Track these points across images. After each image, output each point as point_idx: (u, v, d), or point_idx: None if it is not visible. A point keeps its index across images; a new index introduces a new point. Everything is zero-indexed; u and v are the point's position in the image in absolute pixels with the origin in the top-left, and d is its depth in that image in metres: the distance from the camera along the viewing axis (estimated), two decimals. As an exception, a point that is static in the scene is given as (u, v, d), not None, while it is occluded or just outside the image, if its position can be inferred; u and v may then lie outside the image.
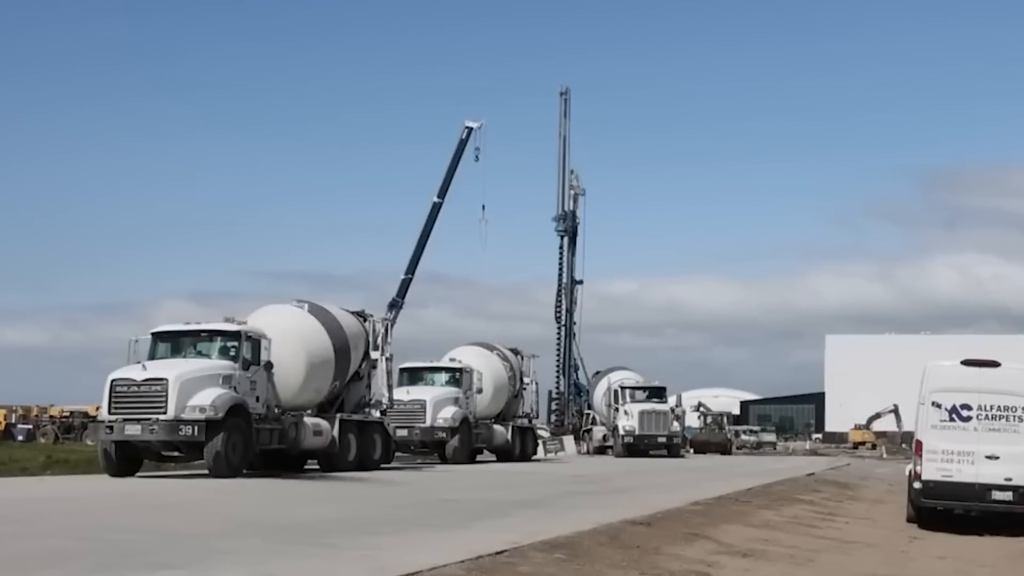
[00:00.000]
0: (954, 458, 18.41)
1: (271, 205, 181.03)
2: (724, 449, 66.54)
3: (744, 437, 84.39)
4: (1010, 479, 18.20)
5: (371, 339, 31.86)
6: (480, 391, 38.38)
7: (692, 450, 63.55)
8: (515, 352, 43.14)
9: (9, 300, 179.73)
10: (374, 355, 31.95)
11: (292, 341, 27.70)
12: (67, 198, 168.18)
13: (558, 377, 66.39)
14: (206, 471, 24.65)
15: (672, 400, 55.25)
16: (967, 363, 18.76)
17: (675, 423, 54.03)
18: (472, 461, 38.07)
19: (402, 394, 35.52)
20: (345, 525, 14.58)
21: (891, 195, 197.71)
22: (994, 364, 18.68)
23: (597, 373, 62.71)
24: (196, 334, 26.37)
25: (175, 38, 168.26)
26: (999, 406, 18.32)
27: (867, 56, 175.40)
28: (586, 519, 15.50)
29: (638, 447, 51.60)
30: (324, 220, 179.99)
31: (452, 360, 39.20)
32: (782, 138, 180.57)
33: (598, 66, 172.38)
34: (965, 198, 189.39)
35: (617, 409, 53.93)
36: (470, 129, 60.08)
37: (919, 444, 18.84)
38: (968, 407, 18.43)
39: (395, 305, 58.89)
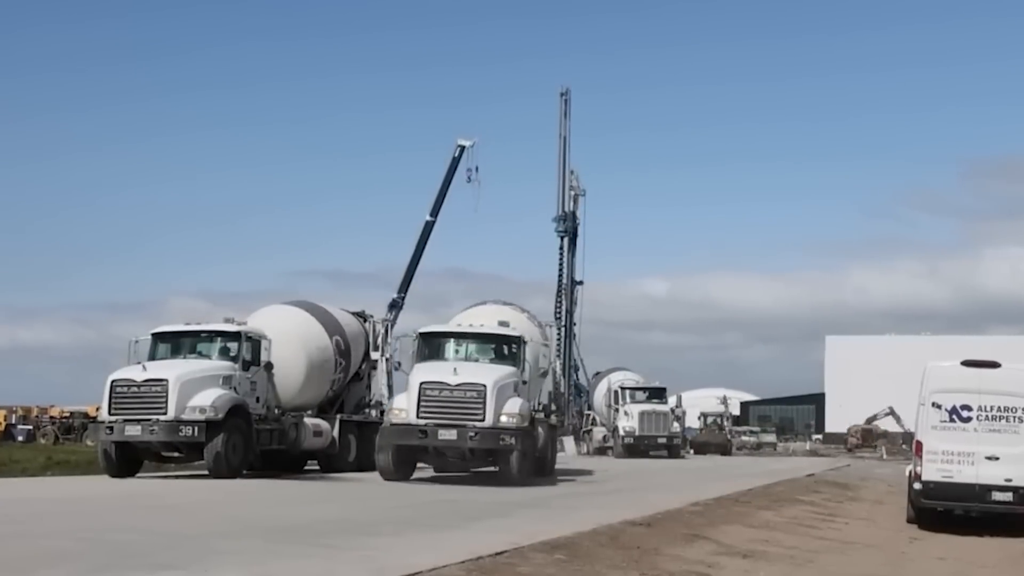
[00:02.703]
0: (954, 459, 18.41)
1: (285, 204, 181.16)
2: (724, 450, 66.56)
3: (744, 438, 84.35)
4: (1010, 480, 18.20)
5: (371, 339, 31.94)
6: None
7: (692, 451, 63.57)
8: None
9: (20, 299, 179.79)
10: (374, 356, 31.93)
11: (292, 342, 27.77)
12: (75, 198, 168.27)
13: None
14: (206, 471, 24.69)
15: (672, 401, 55.26)
16: (967, 364, 18.76)
17: (675, 424, 54.05)
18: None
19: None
20: (345, 526, 14.58)
21: (936, 187, 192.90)
22: (994, 365, 18.68)
23: (597, 374, 62.73)
24: (196, 335, 26.38)
25: (183, 38, 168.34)
26: (999, 407, 18.32)
27: (900, 53, 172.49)
28: (586, 520, 15.50)
29: (638, 448, 51.60)
30: (339, 218, 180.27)
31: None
32: (809, 136, 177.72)
33: (602, 66, 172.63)
34: (1018, 188, 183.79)
35: (617, 410, 53.96)
36: (463, 147, 60.01)
37: (919, 445, 18.84)
38: (968, 408, 18.43)
39: (395, 305, 58.87)
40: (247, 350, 26.01)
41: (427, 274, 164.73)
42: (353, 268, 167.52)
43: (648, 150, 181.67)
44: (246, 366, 25.81)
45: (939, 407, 18.60)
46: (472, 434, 23.42)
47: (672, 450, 52.74)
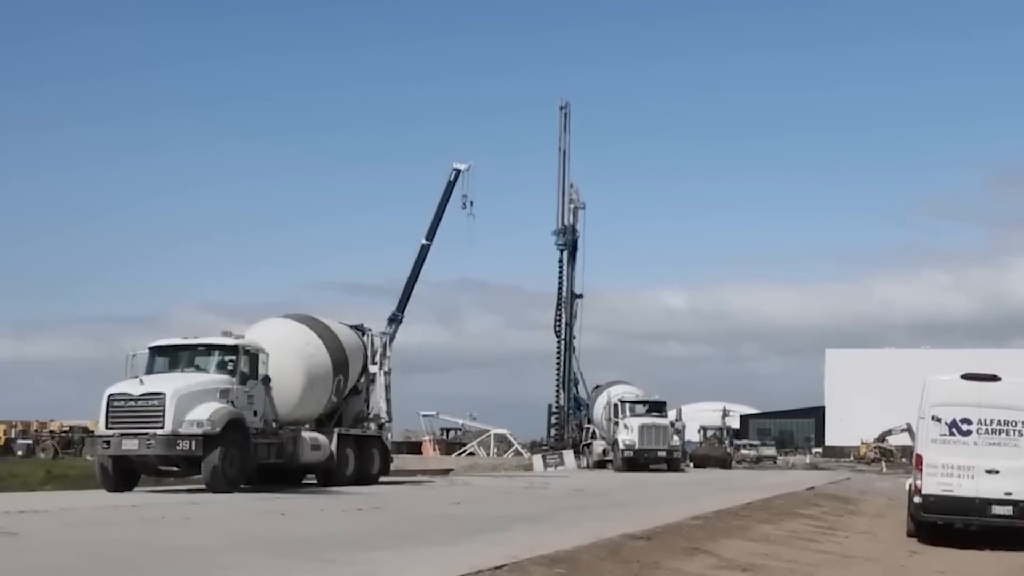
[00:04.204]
0: (954, 472, 18.39)
1: (294, 216, 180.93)
2: (724, 463, 66.52)
3: (744, 451, 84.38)
4: (1010, 493, 18.17)
5: (369, 353, 32.08)
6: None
7: (692, 464, 63.54)
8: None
9: (28, 312, 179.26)
10: (372, 369, 32.16)
11: (290, 355, 27.86)
12: (85, 210, 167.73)
13: (558, 391, 66.31)
14: (203, 486, 24.71)
15: (672, 414, 55.24)
16: (967, 377, 18.75)
17: (675, 437, 54.01)
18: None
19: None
20: (345, 540, 14.56)
21: (959, 195, 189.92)
22: (994, 378, 18.68)
23: (597, 387, 62.68)
24: (193, 348, 26.44)
25: (192, 50, 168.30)
26: (999, 420, 18.31)
27: (920, 60, 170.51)
28: (586, 533, 15.48)
29: (638, 461, 51.55)
30: (349, 229, 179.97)
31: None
32: (829, 145, 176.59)
33: (619, 77, 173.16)
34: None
35: (617, 423, 53.92)
36: (458, 171, 60.09)
37: (919, 458, 18.83)
38: (968, 421, 18.42)
39: (395, 319, 58.84)
40: (245, 363, 26.12)
41: (440, 285, 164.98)
42: (364, 280, 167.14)
43: (669, 160, 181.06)
44: (243, 379, 25.92)
45: (939, 420, 18.59)
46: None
47: (672, 463, 52.71)
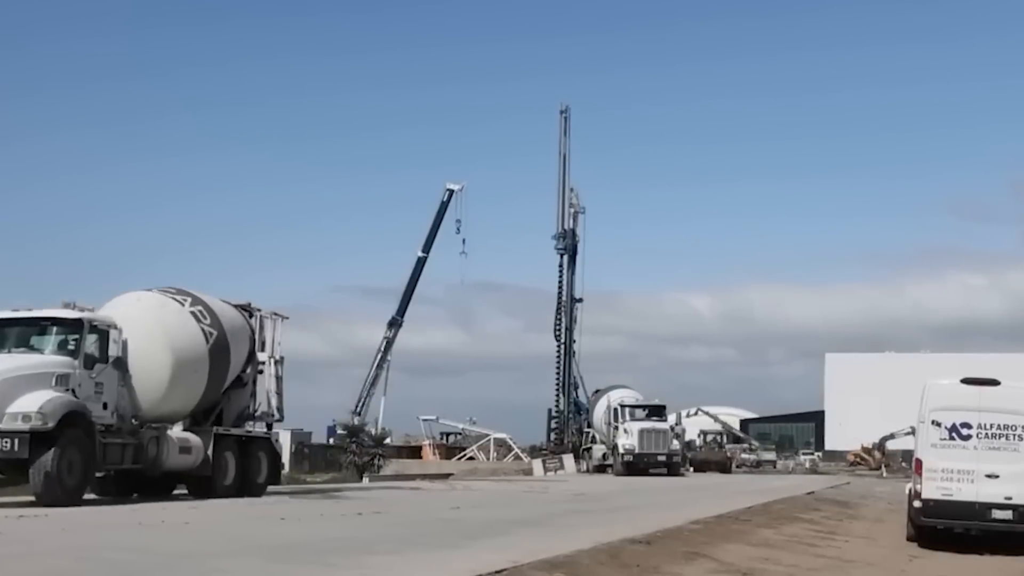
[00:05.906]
0: (954, 477, 18.40)
1: (311, 220, 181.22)
2: (724, 467, 66.50)
3: (743, 456, 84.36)
4: (1010, 498, 18.18)
5: (257, 338, 26.74)
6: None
7: (691, 468, 63.53)
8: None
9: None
10: (261, 357, 26.89)
11: (155, 335, 23.04)
12: (97, 214, 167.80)
13: (558, 395, 66.42)
14: (32, 496, 20.41)
15: (672, 418, 55.27)
16: (967, 381, 18.76)
17: (675, 441, 54.03)
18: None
19: None
20: (343, 544, 14.54)
21: (988, 196, 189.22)
22: (994, 383, 18.68)
23: (597, 391, 62.75)
24: (25, 323, 21.64)
25: (209, 54, 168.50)
26: (999, 424, 18.33)
27: (947, 63, 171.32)
28: (586, 538, 15.47)
29: (638, 465, 51.55)
30: (366, 233, 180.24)
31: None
32: (857, 147, 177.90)
33: (612, 82, 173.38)
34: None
35: (617, 427, 53.96)
36: (451, 191, 60.34)
37: (919, 463, 18.84)
38: (968, 426, 18.44)
39: (394, 323, 58.93)
40: (92, 343, 21.51)
41: (457, 287, 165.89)
42: (378, 283, 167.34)
43: (692, 164, 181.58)
44: (89, 363, 21.28)
45: (939, 425, 18.61)
46: None
47: (672, 468, 52.73)
